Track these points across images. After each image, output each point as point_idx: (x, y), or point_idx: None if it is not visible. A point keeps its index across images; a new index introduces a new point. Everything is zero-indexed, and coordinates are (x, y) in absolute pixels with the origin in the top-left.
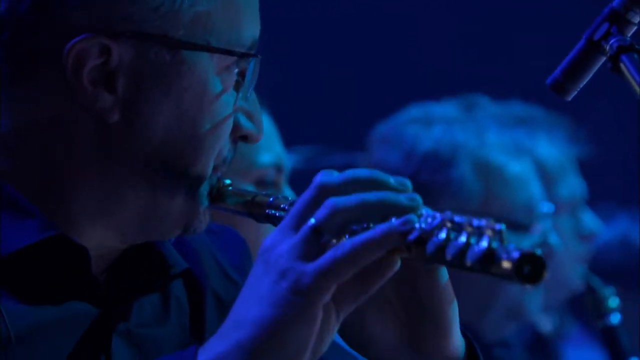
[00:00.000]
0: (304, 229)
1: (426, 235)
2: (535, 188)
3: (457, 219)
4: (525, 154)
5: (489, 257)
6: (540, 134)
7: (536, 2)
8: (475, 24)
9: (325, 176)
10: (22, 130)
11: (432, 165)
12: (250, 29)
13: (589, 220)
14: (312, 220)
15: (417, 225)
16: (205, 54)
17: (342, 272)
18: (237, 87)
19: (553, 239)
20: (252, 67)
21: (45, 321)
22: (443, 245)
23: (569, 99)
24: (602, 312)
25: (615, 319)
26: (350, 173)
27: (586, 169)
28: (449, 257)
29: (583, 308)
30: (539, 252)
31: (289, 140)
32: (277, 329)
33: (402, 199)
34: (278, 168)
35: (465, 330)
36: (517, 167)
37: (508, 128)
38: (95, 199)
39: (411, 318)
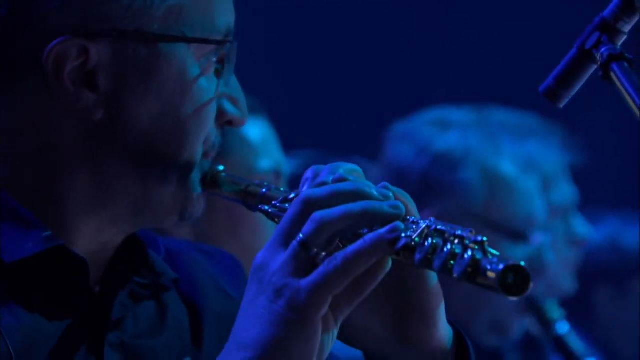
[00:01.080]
0: (293, 244)
1: (413, 244)
2: (538, 202)
3: (440, 226)
4: (534, 170)
5: (475, 268)
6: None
7: (530, 11)
8: (469, 30)
9: (310, 191)
10: (10, 133)
11: (442, 164)
12: (225, 17)
13: (580, 226)
14: (300, 236)
15: (403, 234)
16: (182, 45)
17: (336, 285)
18: (218, 74)
19: (548, 256)
20: (229, 53)
21: (43, 335)
22: (430, 255)
23: (561, 106)
24: (548, 324)
25: (562, 328)
26: (334, 186)
27: (578, 173)
28: (435, 267)
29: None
30: (522, 263)
31: (288, 144)
32: (280, 347)
33: (385, 207)
34: (277, 173)
35: (454, 322)
36: (524, 181)
37: (523, 141)
38: (87, 195)
39: (397, 309)
